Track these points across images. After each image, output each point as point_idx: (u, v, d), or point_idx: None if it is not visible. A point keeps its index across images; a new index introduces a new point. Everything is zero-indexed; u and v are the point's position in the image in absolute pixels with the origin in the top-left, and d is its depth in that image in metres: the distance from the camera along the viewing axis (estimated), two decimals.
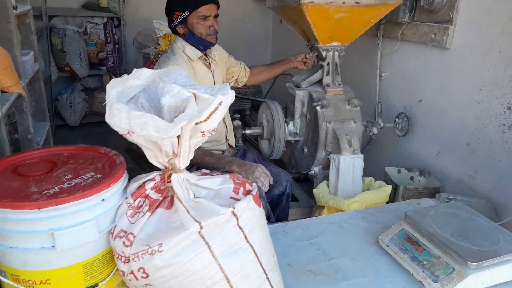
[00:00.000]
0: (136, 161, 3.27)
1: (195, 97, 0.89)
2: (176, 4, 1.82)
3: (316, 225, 1.59)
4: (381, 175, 2.30)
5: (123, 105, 0.77)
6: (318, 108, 2.03)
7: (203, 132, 0.91)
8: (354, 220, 1.64)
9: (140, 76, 0.89)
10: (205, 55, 1.91)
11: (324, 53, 2.10)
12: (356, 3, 1.87)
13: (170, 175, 0.96)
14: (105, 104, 0.82)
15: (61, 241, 0.82)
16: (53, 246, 0.82)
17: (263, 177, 1.60)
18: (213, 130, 0.91)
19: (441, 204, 1.55)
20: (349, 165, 1.97)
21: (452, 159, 2.24)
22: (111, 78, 3.48)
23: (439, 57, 2.26)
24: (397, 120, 2.49)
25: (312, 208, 2.17)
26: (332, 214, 1.68)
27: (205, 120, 0.88)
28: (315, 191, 2.00)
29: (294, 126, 2.18)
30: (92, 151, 1.06)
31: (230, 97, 0.92)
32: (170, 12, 1.85)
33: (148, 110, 0.92)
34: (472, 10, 2.04)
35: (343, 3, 1.85)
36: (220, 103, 0.89)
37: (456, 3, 2.08)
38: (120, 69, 3.96)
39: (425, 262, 1.31)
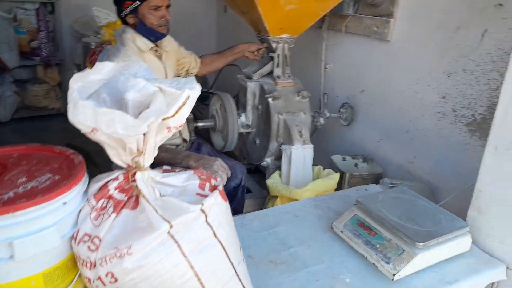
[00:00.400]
0: None
1: (161, 91, 0.87)
2: None
3: (272, 216, 1.62)
4: (328, 163, 2.40)
5: (89, 102, 0.74)
6: (270, 100, 2.05)
7: (169, 128, 0.89)
8: (308, 208, 1.70)
9: (102, 70, 0.85)
10: (156, 46, 1.85)
11: (274, 45, 2.13)
12: None
13: (134, 174, 0.93)
14: (68, 102, 0.77)
15: (20, 250, 0.76)
16: (12, 256, 0.77)
17: (221, 170, 1.60)
18: (180, 126, 0.89)
19: (388, 190, 1.65)
20: (300, 155, 2.02)
21: (393, 146, 2.39)
22: (44, 69, 3.28)
23: (381, 49, 2.38)
24: (341, 110, 2.59)
25: (265, 198, 2.21)
26: (287, 203, 1.72)
27: (173, 115, 0.86)
28: (268, 181, 2.03)
29: (246, 118, 2.19)
30: (46, 151, 1.00)
31: (197, 91, 0.90)
32: (120, 0, 1.76)
33: (110, 105, 0.88)
34: (410, 4, 2.17)
35: None
36: (188, 97, 0.87)
37: None
38: (56, 60, 3.71)
39: (377, 246, 1.39)
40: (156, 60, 1.84)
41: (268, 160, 2.18)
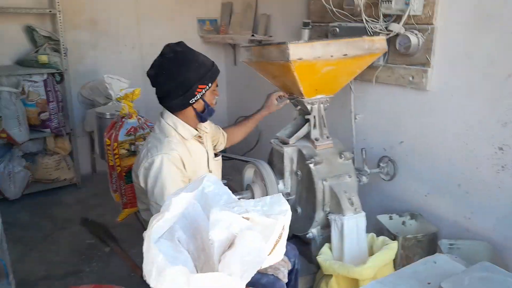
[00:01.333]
0: (96, 235, 2.90)
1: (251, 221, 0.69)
2: (198, 76, 1.59)
3: None
4: (372, 223, 2.20)
5: (181, 268, 0.56)
6: (311, 165, 1.89)
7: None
8: None
9: (177, 206, 0.68)
10: (196, 129, 1.72)
11: (309, 107, 1.98)
12: (343, 55, 1.77)
13: None
14: (144, 264, 0.59)
15: None
16: None
17: (282, 265, 1.40)
18: (275, 263, 0.71)
19: (470, 269, 1.45)
20: (353, 225, 1.83)
21: (443, 201, 2.20)
22: (55, 140, 3.13)
23: (418, 98, 2.24)
24: (381, 164, 2.42)
25: (313, 275, 1.99)
26: None
27: (269, 254, 0.68)
28: (320, 259, 1.83)
29: (285, 185, 2.01)
30: None
31: (289, 214, 0.73)
32: (190, 86, 1.60)
33: (187, 245, 0.70)
34: (448, 54, 2.05)
35: (331, 56, 1.75)
36: (283, 228, 0.69)
37: (432, 46, 2.07)
38: (66, 129, 3.57)
39: None
40: (199, 145, 1.70)
41: (313, 231, 1.99)
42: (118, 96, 2.51)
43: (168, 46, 1.64)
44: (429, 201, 2.28)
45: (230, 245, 0.69)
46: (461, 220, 2.12)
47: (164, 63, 1.60)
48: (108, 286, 0.81)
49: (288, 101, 2.11)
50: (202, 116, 1.66)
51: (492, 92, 1.88)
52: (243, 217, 0.69)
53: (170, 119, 1.65)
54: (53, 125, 3.45)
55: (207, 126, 1.77)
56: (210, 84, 1.62)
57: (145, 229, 1.92)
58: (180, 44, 1.65)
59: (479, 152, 1.99)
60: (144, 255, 0.62)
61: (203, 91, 1.61)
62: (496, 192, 1.93)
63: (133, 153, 2.18)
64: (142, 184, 1.61)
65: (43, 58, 3.30)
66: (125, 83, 3.20)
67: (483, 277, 1.38)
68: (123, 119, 2.22)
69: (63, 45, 3.42)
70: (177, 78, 1.58)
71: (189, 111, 1.65)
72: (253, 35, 3.49)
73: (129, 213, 2.25)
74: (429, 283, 1.52)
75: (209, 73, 1.61)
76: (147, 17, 4.02)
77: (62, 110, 3.54)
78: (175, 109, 1.65)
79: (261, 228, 0.69)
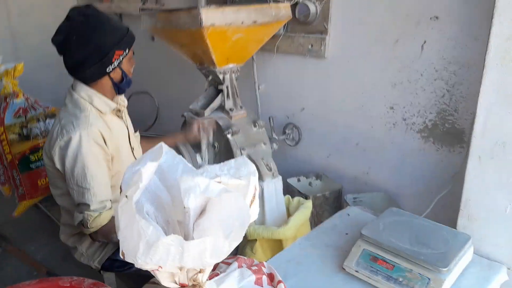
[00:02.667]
0: None
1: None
2: (113, 40, 1.43)
3: (276, 269, 1.47)
4: (283, 187, 2.31)
5: (176, 237, 0.51)
6: (229, 136, 1.88)
7: None
8: (306, 251, 1.58)
9: (146, 176, 0.61)
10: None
11: (221, 76, 1.96)
12: (253, 22, 1.78)
13: None
14: (120, 236, 0.52)
15: None
16: None
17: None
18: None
19: (381, 215, 1.62)
20: (272, 189, 1.90)
21: (344, 160, 2.40)
22: None
23: (317, 66, 2.37)
24: (286, 131, 2.53)
25: None
26: (284, 251, 1.58)
27: None
28: None
29: (202, 158, 1.98)
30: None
31: (257, 174, 0.72)
32: (106, 52, 1.43)
33: (155, 217, 0.65)
34: (344, 21, 2.19)
35: (242, 23, 1.74)
36: (255, 187, 0.69)
37: (329, 14, 2.19)
38: None
39: (400, 279, 1.33)
40: (118, 120, 1.55)
41: None
42: None
43: (76, 9, 1.45)
44: (331, 162, 2.47)
45: (202, 212, 0.66)
46: (360, 176, 2.35)
47: (74, 28, 1.41)
48: (54, 278, 0.70)
49: (211, 135, 1.98)
50: (120, 86, 1.52)
51: (383, 56, 2.08)
52: (216, 181, 0.66)
53: (84, 91, 1.46)
54: None
55: (125, 100, 1.63)
56: (127, 50, 1.49)
57: (53, 220, 1.73)
58: (90, 6, 1.48)
59: (373, 112, 2.20)
60: (123, 231, 0.55)
61: (121, 57, 1.47)
62: (389, 147, 2.18)
63: (26, 138, 1.90)
64: (58, 166, 1.42)
65: None
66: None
67: (393, 221, 1.56)
68: (8, 100, 1.91)
69: None
70: (91, 43, 1.42)
71: (105, 82, 1.49)
72: (144, 3, 3.26)
73: (29, 206, 1.98)
74: (347, 233, 1.67)
75: (125, 37, 1.47)
76: None
77: None
78: (90, 79, 1.48)
79: (235, 190, 0.67)
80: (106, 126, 1.46)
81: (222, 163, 0.74)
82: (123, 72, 1.51)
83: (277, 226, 1.84)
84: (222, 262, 0.89)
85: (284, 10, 1.96)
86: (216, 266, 0.87)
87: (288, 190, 2.30)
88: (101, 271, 1.53)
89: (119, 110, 1.57)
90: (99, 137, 1.42)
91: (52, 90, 1.62)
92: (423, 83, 1.96)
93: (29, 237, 2.46)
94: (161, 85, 3.62)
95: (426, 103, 1.97)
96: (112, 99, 1.53)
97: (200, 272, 0.68)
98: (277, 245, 1.87)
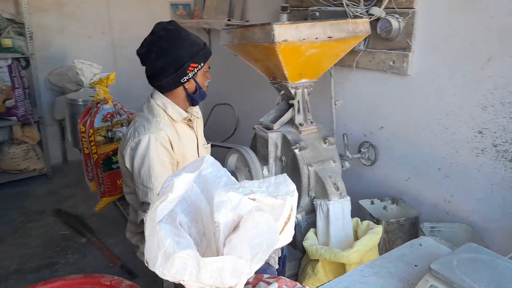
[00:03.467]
0: (71, 225, 2.79)
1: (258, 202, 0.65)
2: (189, 54, 1.53)
3: None
4: (354, 208, 2.21)
5: (192, 252, 0.51)
6: (296, 150, 1.86)
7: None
8: (368, 278, 1.48)
9: (180, 187, 0.62)
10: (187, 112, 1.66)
11: (293, 91, 1.95)
12: (328, 37, 1.74)
13: None
14: (146, 248, 0.53)
15: None
16: None
17: (273, 252, 1.37)
18: (283, 246, 0.67)
19: (457, 250, 1.46)
20: (338, 210, 1.83)
21: (424, 185, 2.23)
22: (22, 128, 2.97)
23: (398, 83, 2.25)
24: (362, 149, 2.42)
25: (299, 260, 1.98)
26: (343, 276, 1.49)
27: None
28: (306, 244, 1.82)
29: (269, 171, 1.98)
30: (92, 284, 0.75)
31: (296, 195, 0.69)
32: (181, 64, 1.53)
33: (188, 228, 0.66)
34: (430, 37, 2.05)
35: (316, 38, 1.72)
36: (291, 209, 0.66)
37: (413, 30, 2.07)
38: (34, 117, 3.39)
39: None
40: (188, 129, 1.64)
41: (298, 217, 1.97)
42: (92, 81, 2.39)
43: (160, 24, 1.58)
44: (409, 186, 2.31)
45: (235, 228, 0.65)
46: (441, 204, 2.15)
47: (156, 41, 1.54)
48: (98, 275, 0.75)
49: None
50: (193, 98, 1.61)
51: (472, 75, 1.90)
52: (249, 198, 0.65)
53: (160, 99, 1.58)
54: (20, 112, 3.27)
55: (198, 112, 1.71)
56: (202, 64, 1.57)
57: (126, 217, 1.84)
58: (172, 22, 1.59)
59: (459, 136, 2.01)
60: (147, 239, 0.57)
61: (195, 70, 1.55)
62: (475, 175, 1.97)
63: (110, 140, 2.08)
64: (128, 165, 1.54)
65: (7, 42, 3.11)
66: (98, 68, 3.06)
67: (471, 258, 1.40)
68: (99, 105, 2.11)
69: (28, 28, 3.24)
70: (169, 55, 1.52)
71: (180, 92, 1.59)
72: (229, 19, 3.41)
73: (108, 202, 2.16)
74: (416, 265, 1.53)
75: (201, 52, 1.56)
76: (117, 1, 3.85)
77: (29, 97, 3.37)
78: (166, 89, 1.59)
79: (269, 209, 0.65)
80: (175, 133, 1.55)
81: (262, 180, 0.73)
82: (197, 84, 1.59)
83: (342, 249, 1.76)
84: (263, 281, 0.87)
85: (362, 26, 1.90)
86: (255, 284, 0.85)
87: (359, 212, 2.20)
88: None
89: (190, 120, 1.64)
90: (167, 142, 1.51)
91: (142, 99, 1.77)
92: None
93: (110, 231, 2.67)
94: (242, 98, 3.72)
95: None
96: (185, 109, 1.61)
97: None
98: (340, 269, 1.79)
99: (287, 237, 0.66)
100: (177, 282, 0.60)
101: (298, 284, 0.86)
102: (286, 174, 0.73)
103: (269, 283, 0.84)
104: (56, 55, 3.66)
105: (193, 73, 1.56)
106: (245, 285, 0.86)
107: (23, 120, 3.31)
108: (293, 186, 0.70)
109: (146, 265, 0.58)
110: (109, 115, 2.10)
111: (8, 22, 3.29)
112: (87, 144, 2.12)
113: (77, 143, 2.51)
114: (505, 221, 1.87)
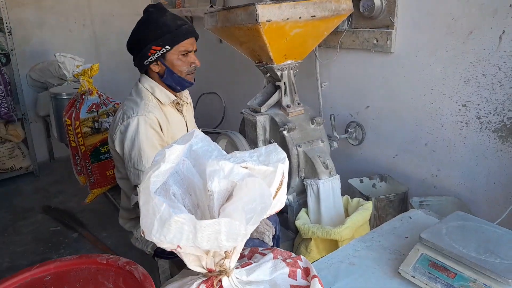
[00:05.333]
0: (61, 221, 2.76)
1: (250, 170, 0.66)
2: (153, 37, 1.51)
3: (326, 269, 1.42)
4: (344, 188, 2.23)
5: (187, 215, 0.51)
6: (285, 132, 1.87)
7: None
8: (360, 252, 1.51)
9: (171, 157, 0.63)
10: (176, 97, 1.65)
11: (279, 73, 1.95)
12: (311, 16, 1.74)
13: (220, 280, 0.70)
14: (142, 215, 0.54)
15: None
16: None
17: (267, 230, 1.38)
18: (276, 211, 0.68)
19: (445, 219, 1.50)
20: (328, 188, 1.85)
21: (411, 161, 2.26)
22: (5, 126, 2.92)
23: (383, 61, 2.26)
24: (349, 129, 2.45)
25: (292, 240, 2.00)
26: (336, 251, 1.52)
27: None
28: (298, 223, 1.83)
29: None
30: (88, 264, 0.75)
31: (287, 162, 0.70)
32: (143, 46, 1.53)
33: (182, 200, 0.66)
34: (412, 14, 2.07)
35: (300, 18, 1.72)
36: (283, 174, 0.66)
37: (395, 7, 2.09)
38: (17, 114, 3.34)
39: None
40: (177, 113, 1.63)
41: (289, 198, 1.98)
42: (75, 72, 2.36)
43: (147, 7, 1.60)
44: (397, 162, 2.34)
45: (229, 196, 0.66)
46: (429, 178, 2.19)
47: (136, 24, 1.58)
48: (93, 254, 0.74)
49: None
50: (166, 83, 1.59)
51: (454, 49, 1.92)
52: (242, 167, 0.66)
53: (148, 83, 1.58)
54: (2, 110, 3.22)
55: (188, 97, 1.71)
56: (168, 47, 1.53)
57: (118, 207, 1.83)
58: (156, 4, 1.59)
59: (443, 110, 2.04)
60: (142, 208, 0.57)
61: (158, 52, 1.53)
62: (460, 148, 2.01)
63: (97, 131, 2.06)
64: (118, 149, 1.53)
65: None
66: (80, 61, 3.02)
67: (459, 225, 1.43)
68: (83, 96, 2.09)
69: (7, 23, 3.17)
70: (134, 37, 1.56)
71: (153, 75, 1.60)
72: (211, 6, 3.38)
73: (98, 194, 2.14)
74: (406, 237, 1.56)
75: (168, 35, 1.52)
76: None
77: (11, 95, 3.31)
78: (139, 70, 1.62)
79: (261, 177, 0.66)
80: (163, 116, 1.55)
81: (253, 150, 0.73)
82: (167, 68, 1.56)
83: (334, 226, 1.79)
84: (258, 252, 0.89)
85: (345, 4, 1.90)
86: (251, 256, 0.86)
87: (349, 191, 2.22)
88: (155, 258, 1.60)
89: (178, 104, 1.63)
90: (156, 124, 1.51)
91: (127, 89, 1.76)
92: (501, 78, 1.78)
93: (102, 225, 2.66)
94: (228, 86, 3.71)
95: (504, 99, 1.79)
96: (178, 92, 1.62)
97: (226, 257, 0.68)
98: (333, 246, 1.81)
99: (280, 203, 0.67)
100: (174, 250, 0.61)
101: (293, 254, 0.87)
102: (276, 143, 0.74)
103: (264, 254, 0.85)
104: (37, 50, 3.60)
105: (156, 55, 1.54)
106: (241, 257, 0.87)
107: (6, 118, 3.26)
108: (283, 154, 0.71)
109: (142, 235, 0.58)
110: (94, 105, 2.08)
111: None
112: (74, 136, 2.10)
113: (64, 137, 2.48)
114: (490, 191, 1.91)
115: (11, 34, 3.18)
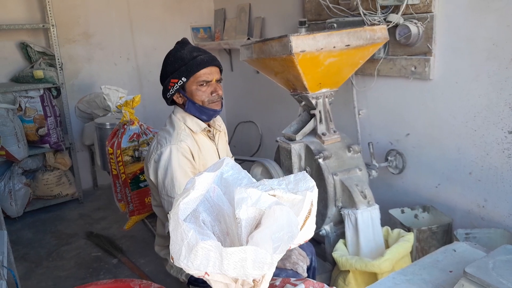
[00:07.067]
0: (102, 247, 2.84)
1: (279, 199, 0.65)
2: (171, 70, 1.57)
3: None
4: (384, 218, 2.15)
5: (213, 242, 0.52)
6: (320, 160, 1.85)
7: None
8: (400, 286, 1.43)
9: (201, 185, 0.64)
10: (208, 125, 1.69)
11: (314, 101, 1.95)
12: (346, 46, 1.75)
13: None
14: (171, 242, 0.54)
15: None
16: None
17: (301, 260, 1.35)
18: (306, 241, 0.67)
19: (492, 253, 1.41)
20: (367, 219, 1.79)
21: (455, 190, 2.16)
22: (54, 155, 3.08)
23: (422, 88, 2.22)
24: (389, 158, 2.38)
25: (329, 272, 1.94)
26: (374, 284, 1.46)
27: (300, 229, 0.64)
28: (335, 255, 1.78)
29: None
30: None
31: (316, 190, 0.69)
32: (164, 79, 1.61)
33: (211, 227, 0.66)
34: (450, 40, 2.03)
35: (334, 47, 1.73)
36: (312, 203, 0.65)
37: (432, 34, 2.06)
38: (65, 144, 3.52)
39: None
40: (209, 141, 1.66)
41: (326, 228, 1.94)
42: (118, 103, 2.47)
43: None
44: (440, 192, 2.24)
45: (257, 224, 0.65)
46: (475, 209, 2.08)
47: None
48: (127, 279, 0.76)
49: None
50: (188, 111, 1.62)
51: (497, 74, 1.86)
52: (269, 194, 0.65)
53: (180, 113, 1.63)
54: (52, 140, 3.40)
55: (221, 125, 1.75)
56: (184, 79, 1.56)
57: (154, 235, 1.86)
58: (181, 40, 1.66)
59: (488, 138, 1.96)
60: (172, 234, 0.58)
61: (176, 85, 1.57)
62: (508, 177, 1.90)
63: (137, 159, 2.14)
64: (152, 178, 1.57)
65: (39, 73, 3.27)
66: (123, 93, 3.17)
67: (507, 259, 1.34)
68: (125, 126, 2.18)
69: (58, 59, 3.40)
70: (161, 72, 1.63)
71: (182, 106, 1.67)
72: (248, 39, 3.48)
73: (136, 221, 2.20)
74: (450, 271, 1.47)
75: (183, 67, 1.56)
76: (140, 28, 4.01)
77: (60, 125, 3.50)
78: (166, 102, 1.69)
79: (289, 205, 0.65)
80: (195, 144, 1.58)
81: (282, 178, 0.73)
82: (188, 99, 1.60)
83: (373, 259, 1.72)
84: (290, 283, 0.86)
85: (380, 32, 1.90)
86: (282, 286, 0.84)
87: (390, 222, 2.14)
88: (190, 286, 1.59)
89: (209, 131, 1.66)
90: (188, 152, 1.54)
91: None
92: None
93: (141, 251, 2.70)
94: (265, 115, 3.75)
95: None
96: (207, 121, 1.66)
97: (254, 286, 0.67)
98: (372, 279, 1.74)
99: (309, 232, 0.65)
100: (203, 277, 0.61)
101: (325, 285, 0.84)
102: (305, 171, 0.74)
103: (295, 285, 0.83)
104: (85, 83, 3.81)
105: (175, 88, 1.59)
106: (271, 287, 0.86)
107: (55, 147, 3.44)
108: (312, 182, 0.70)
109: (172, 261, 0.58)
110: (135, 135, 2.16)
111: (39, 55, 3.47)
112: (115, 165, 2.18)
113: (106, 165, 2.57)
114: None
115: (62, 69, 3.41)
